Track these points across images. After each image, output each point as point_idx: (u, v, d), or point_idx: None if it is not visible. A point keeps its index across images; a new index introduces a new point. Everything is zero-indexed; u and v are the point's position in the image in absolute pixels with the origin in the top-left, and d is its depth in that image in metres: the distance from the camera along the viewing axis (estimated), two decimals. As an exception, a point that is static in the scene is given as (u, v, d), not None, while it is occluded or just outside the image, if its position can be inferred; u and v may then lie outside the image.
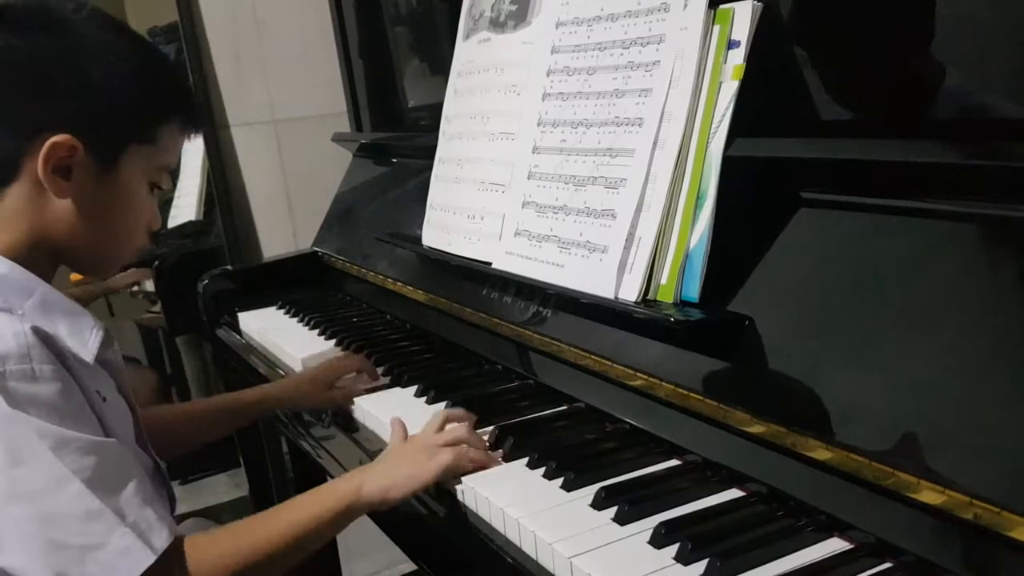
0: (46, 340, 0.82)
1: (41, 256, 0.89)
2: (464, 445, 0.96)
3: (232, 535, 0.90)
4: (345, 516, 0.92)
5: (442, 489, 0.95)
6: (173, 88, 0.96)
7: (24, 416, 0.78)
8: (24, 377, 0.79)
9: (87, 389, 0.86)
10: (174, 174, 2.33)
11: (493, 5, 1.30)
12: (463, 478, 0.93)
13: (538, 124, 1.15)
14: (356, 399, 1.21)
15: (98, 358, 0.90)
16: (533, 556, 0.81)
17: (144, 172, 0.92)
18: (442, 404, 1.14)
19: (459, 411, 1.06)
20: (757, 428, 0.81)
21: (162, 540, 0.81)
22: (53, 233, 0.88)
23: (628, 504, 0.82)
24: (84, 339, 0.88)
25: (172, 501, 1.08)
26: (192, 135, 0.97)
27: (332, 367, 1.30)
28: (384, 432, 1.13)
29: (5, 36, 0.85)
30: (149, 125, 0.92)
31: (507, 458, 0.97)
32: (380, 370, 1.30)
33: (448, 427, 1.00)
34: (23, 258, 0.87)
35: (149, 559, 0.79)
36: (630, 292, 0.97)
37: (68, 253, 0.92)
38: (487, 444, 1.00)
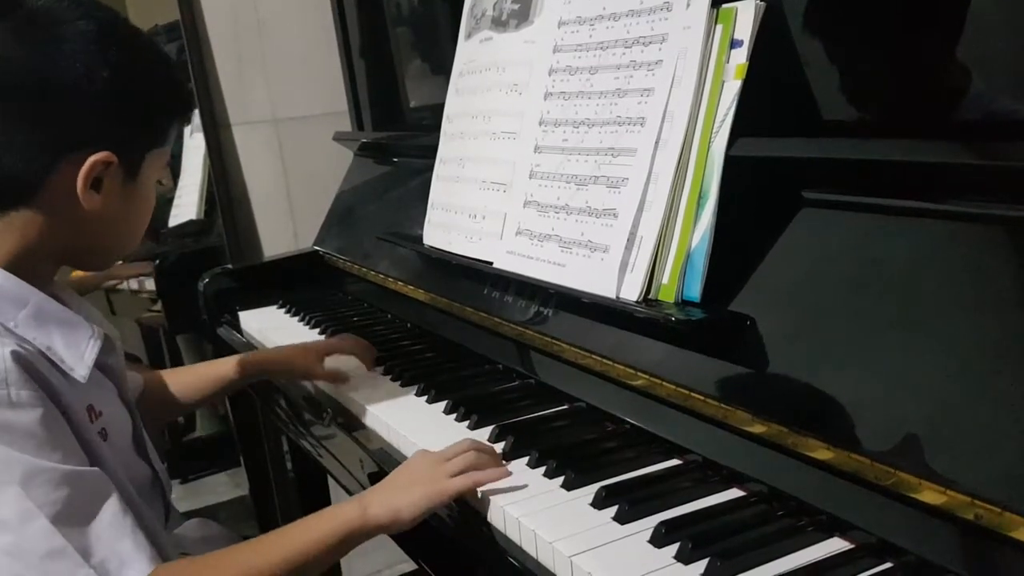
0: (27, 366, 0.80)
1: (43, 262, 0.88)
2: (475, 473, 0.90)
3: (225, 561, 0.86)
4: (348, 540, 0.87)
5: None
6: (180, 89, 0.98)
7: None
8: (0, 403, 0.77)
9: (75, 410, 0.85)
10: (175, 172, 2.34)
11: (495, 4, 1.30)
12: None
13: (540, 123, 1.15)
14: (357, 399, 1.21)
15: (99, 364, 0.89)
16: (533, 555, 0.81)
17: (156, 171, 0.94)
18: (443, 403, 1.14)
19: (486, 445, 0.97)
20: (758, 428, 0.81)
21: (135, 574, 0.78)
22: (71, 240, 0.88)
23: (628, 503, 0.82)
24: (80, 350, 0.87)
25: (167, 510, 1.07)
26: (184, 125, 1.00)
27: (329, 344, 1.33)
28: (384, 431, 1.13)
29: (37, 57, 0.83)
30: (165, 129, 0.94)
31: (507, 457, 0.97)
32: (380, 369, 1.30)
33: (463, 455, 0.92)
34: (20, 266, 0.85)
35: None
36: (631, 292, 0.97)
37: (80, 256, 0.93)
38: (507, 472, 0.92)
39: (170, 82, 0.95)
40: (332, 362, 1.31)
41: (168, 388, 1.25)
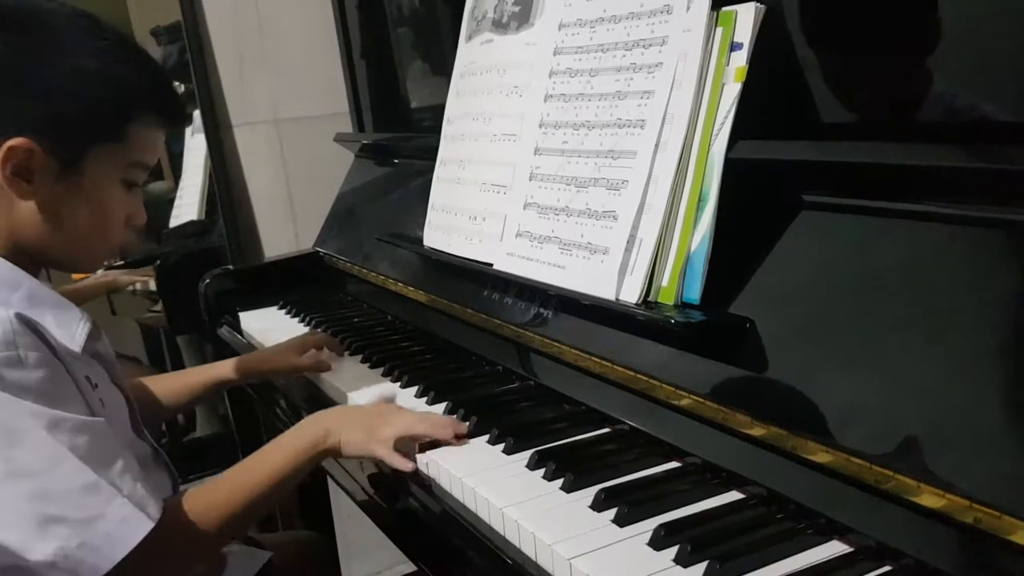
0: (32, 327, 0.82)
1: (23, 256, 0.90)
2: (396, 455, 0.99)
3: (221, 484, 0.95)
4: (314, 459, 0.99)
5: (443, 489, 0.95)
6: (143, 85, 0.92)
7: (15, 399, 0.79)
8: (10, 363, 0.80)
9: (76, 375, 0.88)
10: (176, 173, 2.34)
11: (496, 6, 1.30)
12: (464, 479, 0.93)
13: (540, 125, 1.15)
14: (358, 400, 1.21)
15: (88, 351, 0.91)
16: (532, 557, 0.81)
17: (115, 170, 0.91)
18: (443, 405, 1.14)
19: (446, 420, 1.05)
20: (757, 430, 0.81)
21: (156, 510, 0.84)
22: (22, 234, 0.89)
23: (628, 506, 0.82)
24: (72, 331, 0.90)
25: (175, 482, 1.09)
26: (171, 129, 0.97)
27: (303, 340, 1.39)
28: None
29: None
30: (115, 124, 0.90)
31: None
32: (380, 371, 1.30)
33: (427, 425, 1.02)
34: (8, 256, 0.88)
35: (148, 525, 0.82)
36: (631, 294, 0.97)
37: (42, 253, 0.92)
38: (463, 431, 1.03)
39: (113, 73, 0.89)
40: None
41: (151, 394, 1.28)
